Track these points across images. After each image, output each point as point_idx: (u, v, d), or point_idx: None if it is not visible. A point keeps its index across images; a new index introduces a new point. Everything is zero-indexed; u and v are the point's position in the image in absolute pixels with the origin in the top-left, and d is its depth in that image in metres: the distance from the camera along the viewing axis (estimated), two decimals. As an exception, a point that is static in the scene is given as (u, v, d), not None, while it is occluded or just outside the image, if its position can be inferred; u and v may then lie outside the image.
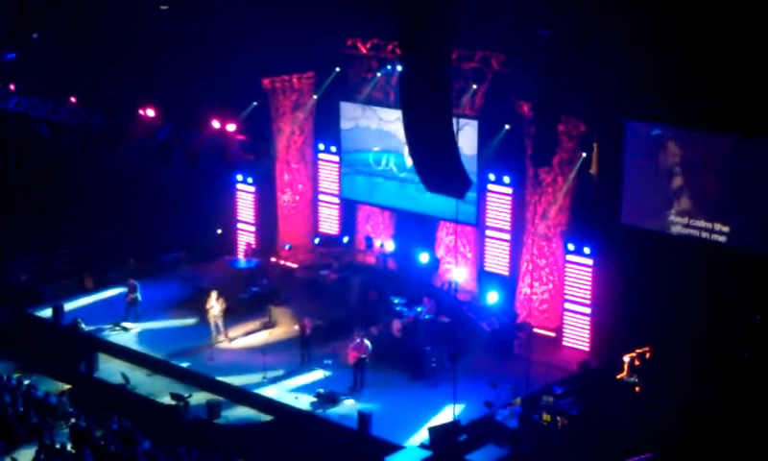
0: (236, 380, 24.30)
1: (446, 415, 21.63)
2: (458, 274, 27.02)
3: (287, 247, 30.63)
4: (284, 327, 26.71)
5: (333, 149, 30.38)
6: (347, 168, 29.97)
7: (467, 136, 26.41)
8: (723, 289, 22.63)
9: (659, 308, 23.43)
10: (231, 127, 26.18)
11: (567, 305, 25.90)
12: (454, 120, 18.17)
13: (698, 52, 21.76)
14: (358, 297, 27.83)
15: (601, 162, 24.82)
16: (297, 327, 25.23)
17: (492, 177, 27.23)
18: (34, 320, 27.99)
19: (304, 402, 23.21)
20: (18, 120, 28.77)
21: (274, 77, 29.82)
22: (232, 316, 27.03)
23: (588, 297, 25.42)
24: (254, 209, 31.66)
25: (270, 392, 23.74)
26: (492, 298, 26.57)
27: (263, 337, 26.23)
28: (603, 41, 22.76)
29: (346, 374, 23.89)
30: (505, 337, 25.51)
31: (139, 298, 27.34)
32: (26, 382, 23.91)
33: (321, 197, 31.28)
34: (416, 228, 28.90)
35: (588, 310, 25.48)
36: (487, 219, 27.57)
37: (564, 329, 25.99)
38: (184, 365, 25.21)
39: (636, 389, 22.64)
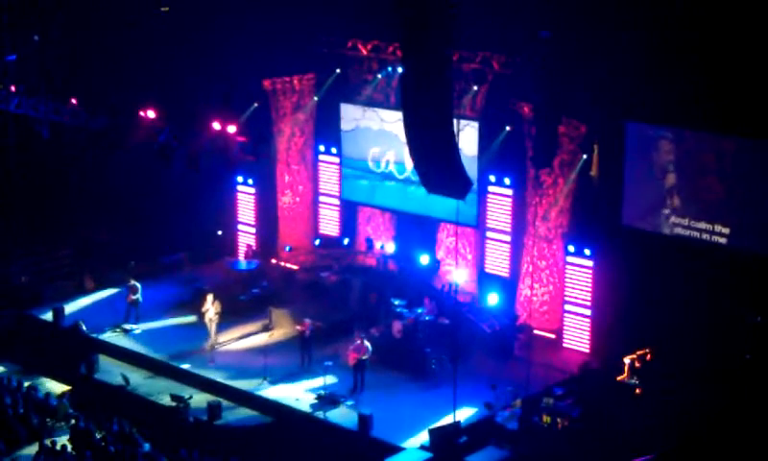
0: (237, 382, 24.30)
1: (447, 417, 21.60)
2: (458, 275, 27.02)
3: (287, 248, 30.63)
4: (284, 328, 26.70)
5: (334, 150, 30.39)
6: (347, 169, 29.96)
7: (467, 138, 26.44)
8: (723, 291, 22.62)
9: (659, 310, 23.41)
10: (232, 128, 26.22)
11: (568, 307, 25.90)
12: (455, 121, 18.20)
13: (698, 53, 21.76)
14: (358, 298, 27.82)
15: (602, 164, 24.82)
16: (297, 329, 25.21)
17: (492, 178, 27.23)
18: (34, 321, 27.98)
19: (305, 404, 23.21)
20: (19, 121, 28.84)
21: (274, 78, 29.82)
22: (233, 318, 27.05)
23: (589, 298, 25.42)
24: (255, 211, 31.66)
25: (270, 393, 23.74)
26: (493, 299, 26.59)
27: (263, 339, 26.22)
28: (603, 43, 22.76)
29: (346, 375, 23.88)
30: (505, 339, 25.52)
31: (140, 299, 27.33)
32: (26, 384, 23.88)
33: (321, 198, 31.28)
34: (416, 229, 28.91)
35: (588, 312, 25.48)
36: (487, 220, 27.57)
37: (565, 331, 25.99)
38: (185, 366, 25.21)
39: (637, 391, 22.64)
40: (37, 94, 27.49)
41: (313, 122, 30.81)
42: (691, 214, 23.43)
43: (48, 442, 20.74)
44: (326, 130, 30.38)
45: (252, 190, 31.64)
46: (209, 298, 25.95)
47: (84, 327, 26.86)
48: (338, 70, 29.53)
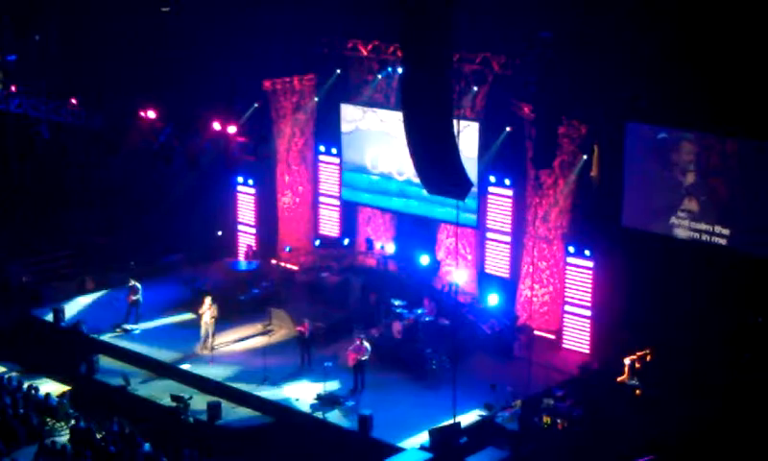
0: (237, 382, 24.30)
1: (447, 417, 21.61)
2: (458, 276, 27.02)
3: (287, 249, 30.63)
4: (284, 329, 26.70)
5: (334, 151, 30.39)
6: (347, 170, 29.96)
7: (467, 138, 26.42)
8: (724, 291, 22.61)
9: (659, 311, 23.41)
10: (232, 129, 26.22)
11: (568, 308, 25.90)
12: (455, 122, 18.19)
13: (699, 53, 21.76)
14: (358, 299, 27.83)
15: (602, 165, 24.82)
16: (297, 329, 25.20)
17: (492, 179, 27.23)
18: (34, 321, 27.98)
19: (305, 404, 23.21)
20: (19, 121, 28.86)
21: (274, 79, 29.81)
22: (233, 318, 27.05)
23: (589, 299, 25.42)
24: (255, 211, 31.67)
25: (270, 394, 23.74)
26: (493, 300, 26.59)
27: (263, 339, 26.23)
28: (604, 43, 22.76)
29: (346, 376, 23.89)
30: (505, 339, 25.52)
31: (140, 300, 27.33)
32: (26, 384, 23.89)
33: (321, 199, 31.29)
34: (416, 230, 28.91)
35: (588, 313, 25.48)
36: (487, 221, 27.57)
37: (565, 332, 25.98)
38: (185, 367, 25.21)
39: (637, 392, 22.63)
40: (38, 94, 27.53)
41: (313, 122, 30.81)
42: (692, 215, 23.42)
43: (48, 442, 20.75)
44: (327, 130, 30.37)
45: (253, 191, 31.65)
46: (207, 300, 25.93)
47: (84, 328, 26.88)
48: (338, 71, 29.54)
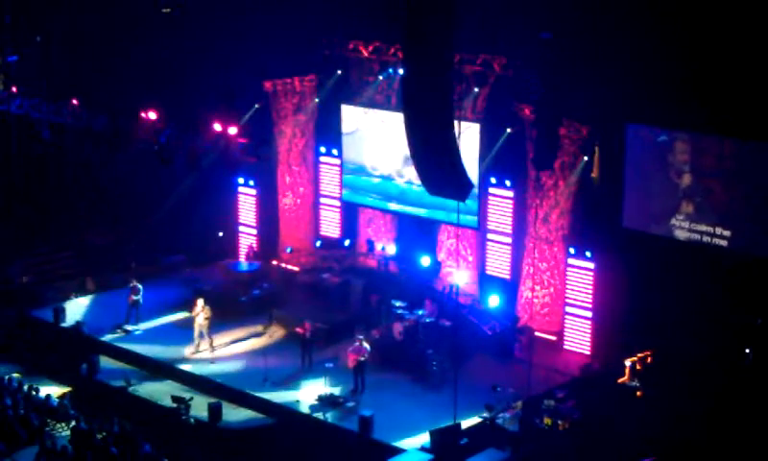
0: (237, 383, 24.29)
1: (447, 419, 21.60)
2: (459, 277, 27.01)
3: (288, 250, 30.62)
4: (285, 330, 26.70)
5: (335, 152, 30.39)
6: (348, 172, 29.96)
7: (468, 140, 26.43)
8: (724, 293, 22.61)
9: (660, 312, 23.41)
10: (233, 130, 26.23)
11: (569, 309, 25.90)
12: (456, 123, 18.19)
13: (699, 55, 21.77)
14: (359, 300, 27.83)
15: (603, 166, 24.81)
16: (298, 330, 25.20)
17: (493, 180, 27.23)
18: (35, 322, 27.99)
19: (305, 405, 23.20)
20: (21, 122, 28.88)
21: (275, 79, 29.82)
22: (233, 319, 27.05)
23: (590, 300, 25.42)
24: (256, 212, 31.67)
25: (271, 395, 23.73)
26: (494, 301, 26.58)
27: (264, 340, 26.22)
28: (604, 44, 22.76)
29: (347, 377, 23.89)
30: (506, 341, 25.52)
31: (141, 300, 27.33)
32: (27, 385, 23.88)
33: (322, 200, 31.28)
34: (417, 231, 28.91)
35: (589, 314, 25.47)
36: (488, 222, 27.57)
37: (566, 333, 25.98)
38: (186, 367, 25.21)
39: (638, 393, 22.62)
40: (39, 95, 27.54)
41: (314, 123, 30.81)
42: (692, 217, 23.42)
43: (49, 443, 20.73)
44: (327, 131, 30.38)
45: (253, 191, 31.65)
46: (200, 302, 25.92)
47: (84, 328, 26.88)
48: (339, 72, 29.54)
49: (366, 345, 23.76)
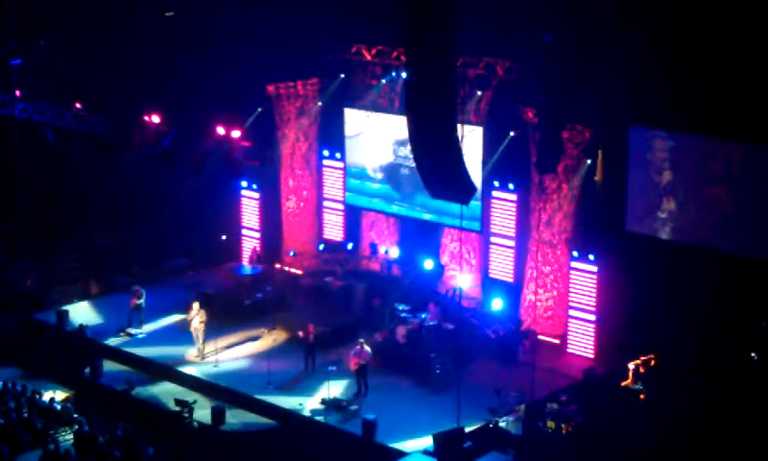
0: (241, 386, 24.29)
1: (451, 422, 21.60)
2: (462, 280, 26.99)
3: (291, 253, 30.63)
4: (288, 333, 26.70)
5: (338, 155, 30.40)
6: (351, 176, 29.97)
7: (471, 143, 26.41)
8: (728, 296, 22.58)
9: (663, 315, 23.38)
10: (236, 133, 26.25)
11: (572, 312, 25.88)
12: (459, 127, 18.20)
13: (702, 57, 21.75)
14: (362, 303, 27.84)
15: (606, 169, 24.80)
16: (301, 334, 25.20)
17: (496, 183, 27.22)
18: (38, 326, 28.00)
19: (309, 409, 23.20)
20: (24, 126, 28.89)
21: (278, 83, 29.84)
22: (237, 322, 27.05)
23: (593, 304, 25.40)
24: (259, 216, 31.68)
25: (274, 398, 23.73)
26: (497, 304, 26.55)
27: (267, 343, 26.22)
28: (607, 47, 22.76)
29: (350, 380, 23.89)
30: (509, 344, 25.49)
31: (143, 304, 27.33)
32: (30, 388, 23.88)
33: (325, 203, 31.29)
34: (420, 234, 28.90)
35: (592, 317, 25.45)
36: (491, 226, 27.56)
37: (569, 336, 25.96)
38: (188, 371, 25.22)
39: (641, 396, 22.60)
40: (42, 99, 27.56)
41: (317, 127, 30.83)
42: (695, 219, 23.39)
43: (52, 447, 20.74)
44: (330, 135, 30.40)
45: (257, 195, 31.66)
46: (195, 306, 25.91)
47: (87, 332, 26.89)
48: (342, 75, 29.56)
49: (367, 348, 23.76)
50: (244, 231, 31.94)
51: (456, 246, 27.68)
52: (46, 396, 23.73)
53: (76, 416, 22.75)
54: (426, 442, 21.46)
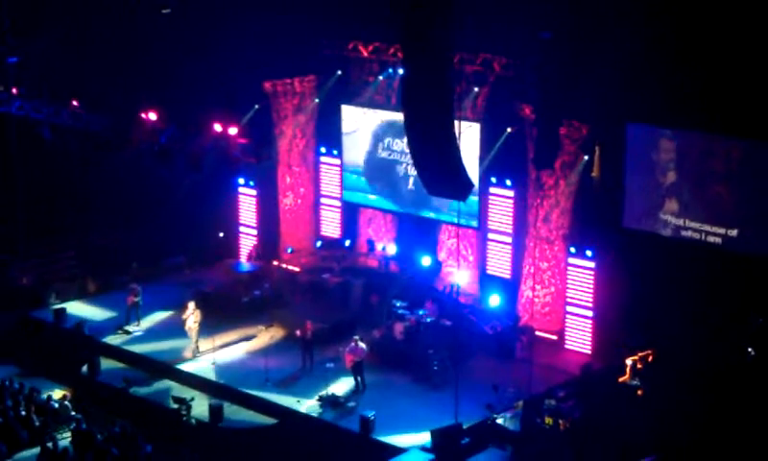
0: (238, 384, 24.30)
1: (448, 418, 21.61)
2: (460, 277, 27.03)
3: (289, 250, 30.63)
4: (286, 330, 26.70)
5: (335, 152, 30.39)
6: (348, 172, 29.97)
7: (468, 139, 26.42)
8: (725, 292, 22.60)
9: (661, 311, 23.40)
10: (233, 130, 26.22)
11: (569, 308, 25.90)
12: (456, 123, 18.19)
13: (700, 53, 21.75)
14: (360, 300, 27.84)
15: (603, 165, 24.80)
16: (298, 331, 25.21)
17: (493, 180, 27.23)
18: (36, 323, 27.98)
19: (306, 406, 23.21)
20: (21, 123, 28.86)
21: (275, 80, 29.82)
22: (234, 320, 27.05)
23: (591, 300, 25.42)
24: (256, 213, 31.68)
25: (272, 395, 23.73)
26: (494, 301, 26.59)
27: (265, 340, 26.24)
28: (605, 43, 22.75)
29: (348, 377, 23.90)
30: (507, 340, 25.51)
31: (140, 301, 27.33)
32: (28, 386, 23.89)
33: (322, 200, 31.29)
34: (417, 231, 28.91)
35: (590, 313, 25.48)
36: (489, 222, 27.57)
37: (567, 332, 25.99)
38: (186, 368, 25.21)
39: (639, 392, 22.61)
40: (39, 96, 27.52)
41: (314, 124, 30.82)
42: (693, 216, 23.41)
43: (50, 444, 20.75)
44: (327, 131, 30.39)
45: (254, 192, 31.66)
46: (191, 305, 25.92)
47: (85, 330, 26.89)
48: (339, 72, 29.55)
49: (362, 345, 23.76)
50: (241, 229, 31.93)
51: (453, 242, 27.70)
52: (44, 393, 23.74)
53: (74, 414, 22.77)
54: (424, 438, 21.48)
